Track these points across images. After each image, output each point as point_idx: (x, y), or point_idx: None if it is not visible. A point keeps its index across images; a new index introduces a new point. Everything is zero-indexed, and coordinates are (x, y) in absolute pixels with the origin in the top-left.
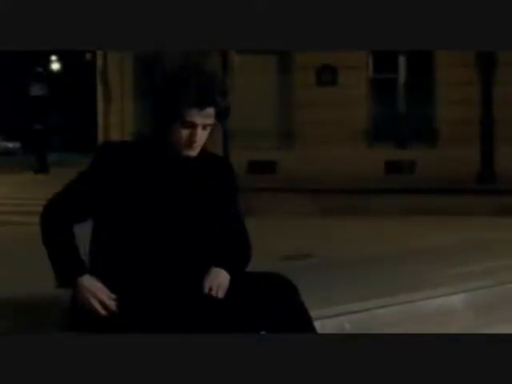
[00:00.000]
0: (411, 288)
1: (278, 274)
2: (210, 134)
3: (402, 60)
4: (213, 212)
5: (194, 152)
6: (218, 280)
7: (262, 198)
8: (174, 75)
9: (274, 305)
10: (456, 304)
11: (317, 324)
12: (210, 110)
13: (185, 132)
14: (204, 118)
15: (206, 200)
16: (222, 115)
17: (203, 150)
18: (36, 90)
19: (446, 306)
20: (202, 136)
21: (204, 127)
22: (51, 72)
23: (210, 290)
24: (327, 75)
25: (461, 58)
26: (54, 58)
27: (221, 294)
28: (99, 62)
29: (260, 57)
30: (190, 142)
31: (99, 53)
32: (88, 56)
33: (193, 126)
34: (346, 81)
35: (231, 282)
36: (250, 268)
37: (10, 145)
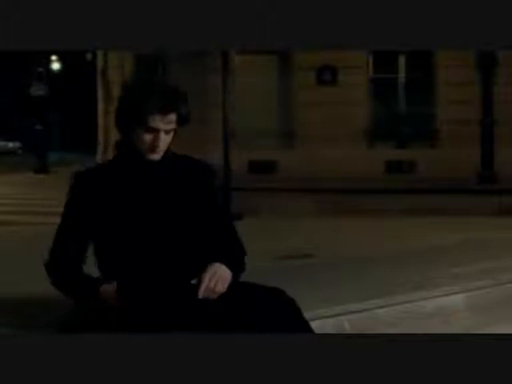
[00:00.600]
0: (411, 288)
1: (282, 290)
2: (173, 137)
3: (402, 60)
4: (190, 212)
5: (157, 156)
6: (219, 273)
7: (263, 198)
8: (138, 83)
9: (276, 322)
10: (456, 304)
11: (317, 323)
12: (172, 116)
13: (148, 137)
14: (166, 124)
15: (179, 200)
16: (183, 121)
17: (171, 153)
18: (36, 90)
19: (446, 306)
20: (164, 141)
21: (166, 132)
22: (51, 72)
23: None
24: (327, 75)
25: (461, 58)
26: (54, 57)
27: (221, 287)
28: (99, 62)
29: (260, 57)
30: (154, 147)
31: (99, 53)
32: (88, 56)
33: (156, 132)
34: (346, 81)
35: (232, 285)
36: (251, 268)
37: (11, 144)
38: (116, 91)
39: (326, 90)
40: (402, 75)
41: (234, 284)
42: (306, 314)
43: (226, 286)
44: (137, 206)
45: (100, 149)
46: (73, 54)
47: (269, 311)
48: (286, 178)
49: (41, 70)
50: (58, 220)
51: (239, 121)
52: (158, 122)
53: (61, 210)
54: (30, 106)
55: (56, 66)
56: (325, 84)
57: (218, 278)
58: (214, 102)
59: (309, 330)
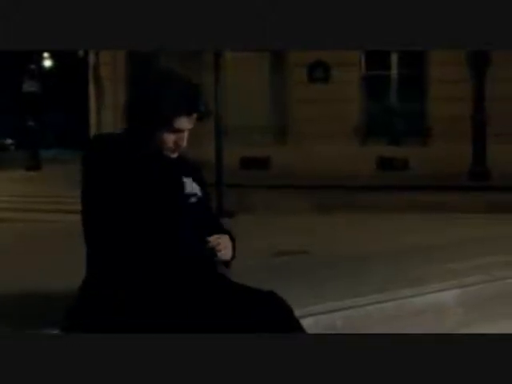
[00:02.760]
0: (404, 284)
1: (271, 291)
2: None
3: (394, 57)
4: (202, 206)
5: (176, 154)
6: (226, 241)
7: (255, 194)
8: (160, 81)
9: (269, 324)
10: (448, 300)
11: (310, 320)
12: (195, 115)
13: (172, 137)
14: (191, 124)
15: (195, 195)
16: (203, 117)
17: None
18: (29, 87)
19: (439, 302)
20: (186, 139)
21: (188, 130)
22: (44, 69)
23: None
24: (320, 72)
25: (453, 56)
26: (46, 55)
27: (226, 255)
28: (91, 59)
29: (253, 54)
30: (178, 146)
31: (91, 50)
32: (80, 53)
33: (181, 132)
34: (339, 77)
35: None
36: (245, 265)
37: (3, 141)
38: (108, 88)
39: (318, 86)
40: (394, 72)
41: (225, 285)
42: (300, 311)
43: (228, 257)
44: (154, 199)
45: None
46: (65, 50)
47: (260, 311)
48: (279, 174)
49: (33, 66)
50: (53, 218)
51: (232, 117)
52: (184, 123)
53: (55, 207)
54: (22, 102)
55: (48, 62)
56: (317, 81)
57: (222, 244)
58: (209, 99)
59: (300, 329)
